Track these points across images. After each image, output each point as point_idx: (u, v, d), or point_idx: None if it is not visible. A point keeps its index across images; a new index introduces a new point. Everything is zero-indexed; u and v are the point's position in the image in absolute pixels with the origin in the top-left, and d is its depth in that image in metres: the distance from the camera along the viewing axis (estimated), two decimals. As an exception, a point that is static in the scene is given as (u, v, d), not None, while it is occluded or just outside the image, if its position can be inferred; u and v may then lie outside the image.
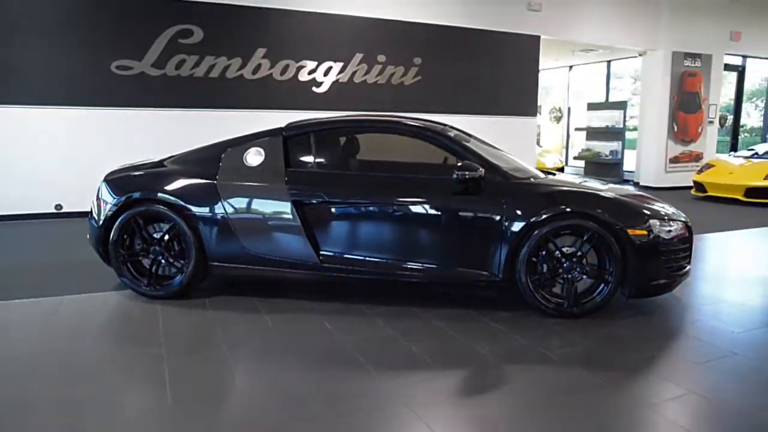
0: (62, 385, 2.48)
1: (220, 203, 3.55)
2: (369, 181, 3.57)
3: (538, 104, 11.09)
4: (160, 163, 3.92)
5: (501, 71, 9.25)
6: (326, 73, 7.98)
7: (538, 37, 9.52)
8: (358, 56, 8.14)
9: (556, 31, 9.71)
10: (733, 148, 12.58)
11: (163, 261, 3.65)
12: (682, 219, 3.59)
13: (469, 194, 3.43)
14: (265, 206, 3.56)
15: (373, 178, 3.61)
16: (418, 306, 3.57)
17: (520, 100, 9.58)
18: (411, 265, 3.47)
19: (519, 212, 3.35)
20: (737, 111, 12.40)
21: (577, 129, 14.42)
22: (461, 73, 8.88)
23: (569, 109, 15.68)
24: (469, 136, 4.14)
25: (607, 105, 13.32)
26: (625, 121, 12.52)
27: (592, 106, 13.55)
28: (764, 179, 8.73)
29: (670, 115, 11.01)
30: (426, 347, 2.95)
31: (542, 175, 3.78)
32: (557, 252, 3.36)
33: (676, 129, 11.11)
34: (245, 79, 7.50)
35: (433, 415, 2.26)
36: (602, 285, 3.38)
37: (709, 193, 9.27)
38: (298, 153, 3.71)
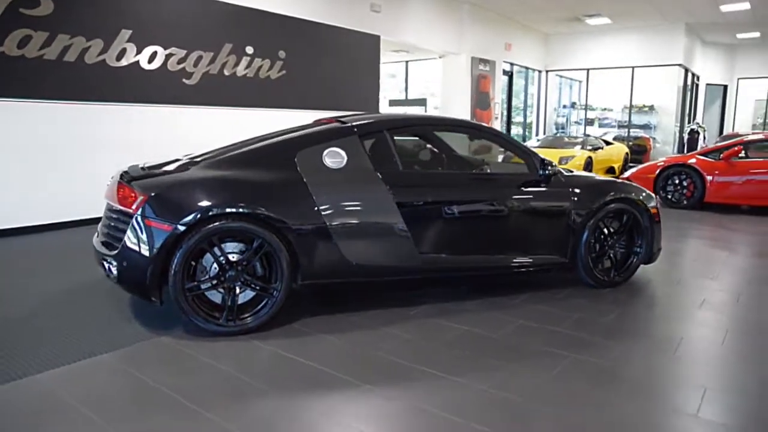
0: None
1: (316, 212, 3.10)
2: (462, 178, 3.57)
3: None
4: (183, 168, 3.21)
5: (351, 68, 9.50)
6: (196, 64, 7.10)
7: (379, 37, 10.04)
8: (228, 46, 7.45)
9: (391, 32, 10.36)
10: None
11: (245, 287, 3.03)
12: None
13: (541, 188, 3.74)
14: (369, 211, 3.25)
15: (464, 175, 3.63)
16: (503, 295, 3.75)
17: (366, 96, 9.99)
18: (506, 257, 3.62)
19: (582, 201, 3.82)
20: (509, 110, 15.00)
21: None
22: (320, 68, 8.84)
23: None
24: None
25: (407, 102, 14.68)
26: (426, 116, 14.01)
27: (393, 102, 14.75)
28: (559, 164, 10.90)
29: (472, 112, 12.78)
30: (590, 328, 3.21)
31: None
32: (606, 231, 3.94)
33: (476, 124, 12.95)
34: (108, 66, 6.20)
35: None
36: (633, 256, 4.07)
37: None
38: (377, 153, 3.46)
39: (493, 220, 3.63)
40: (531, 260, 3.72)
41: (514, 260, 3.67)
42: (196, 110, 7.15)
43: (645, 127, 16.10)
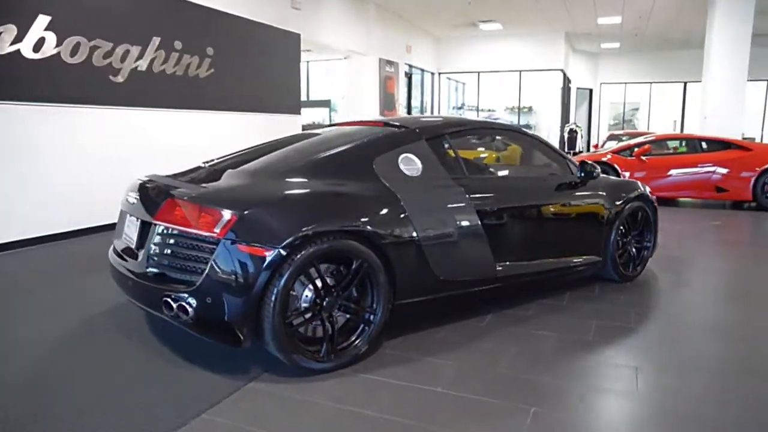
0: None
1: (410, 225, 2.84)
2: (525, 182, 3.51)
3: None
4: (215, 176, 2.87)
5: (276, 67, 9.01)
6: (123, 59, 6.20)
7: (299, 35, 9.63)
8: (156, 40, 6.61)
9: (309, 31, 10.01)
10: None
11: (342, 314, 2.68)
12: None
13: (583, 190, 3.83)
14: (455, 220, 3.05)
15: (526, 179, 3.57)
16: (549, 297, 3.76)
17: (288, 97, 9.54)
18: (565, 259, 3.65)
19: (613, 201, 3.98)
20: (409, 111, 15.27)
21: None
22: (247, 67, 8.26)
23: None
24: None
25: (310, 103, 14.28)
26: (331, 117, 13.78)
27: (295, 104, 14.27)
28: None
29: (381, 113, 12.81)
30: (658, 321, 3.31)
31: None
32: (625, 229, 4.14)
33: (385, 125, 13.01)
34: (24, 58, 5.17)
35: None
36: (644, 250, 4.32)
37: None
38: (443, 158, 3.27)
39: (554, 223, 3.66)
40: (580, 261, 3.80)
41: (570, 262, 3.72)
42: (127, 113, 6.27)
43: (526, 127, 17.37)
